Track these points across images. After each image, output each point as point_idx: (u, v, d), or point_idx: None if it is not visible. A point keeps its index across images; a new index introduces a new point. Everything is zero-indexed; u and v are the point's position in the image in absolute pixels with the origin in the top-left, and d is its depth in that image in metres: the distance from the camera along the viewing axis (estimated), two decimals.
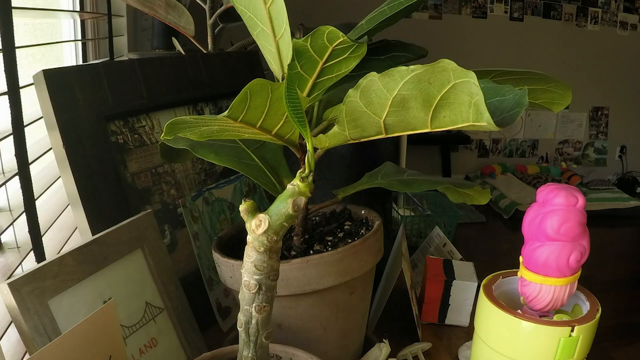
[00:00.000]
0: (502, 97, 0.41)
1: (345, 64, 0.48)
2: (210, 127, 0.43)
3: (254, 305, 0.43)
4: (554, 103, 0.52)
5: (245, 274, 0.43)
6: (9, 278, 0.47)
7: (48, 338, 0.47)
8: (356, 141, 0.48)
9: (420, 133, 0.44)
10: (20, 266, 0.63)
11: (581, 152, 4.02)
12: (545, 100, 0.52)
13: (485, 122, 0.38)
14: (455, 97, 0.39)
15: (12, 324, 0.49)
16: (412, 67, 0.40)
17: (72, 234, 0.80)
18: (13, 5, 0.62)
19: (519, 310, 0.56)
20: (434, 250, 0.99)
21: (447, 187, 0.58)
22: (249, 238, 0.42)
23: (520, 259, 0.57)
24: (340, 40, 0.44)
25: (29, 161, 0.65)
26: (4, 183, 0.62)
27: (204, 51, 1.04)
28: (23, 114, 0.64)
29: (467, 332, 0.80)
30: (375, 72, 0.42)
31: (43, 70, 0.60)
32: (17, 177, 0.63)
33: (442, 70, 0.38)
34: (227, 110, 0.41)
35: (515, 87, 0.41)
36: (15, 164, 0.63)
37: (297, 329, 0.57)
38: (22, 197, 0.64)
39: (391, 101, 0.42)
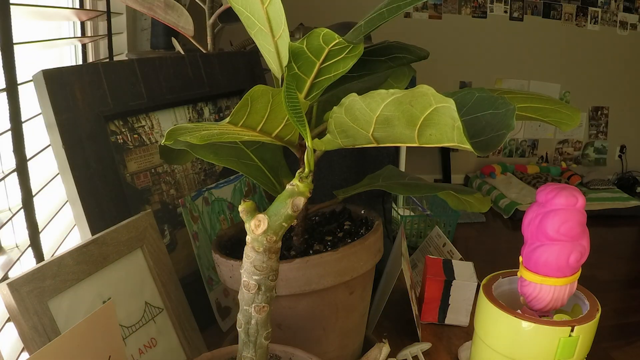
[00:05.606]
0: (495, 110, 0.41)
1: (343, 64, 0.48)
2: (211, 131, 0.43)
3: (253, 305, 0.43)
4: (562, 123, 0.52)
5: (244, 274, 0.43)
6: (8, 278, 0.47)
7: (47, 338, 0.47)
8: (351, 147, 0.49)
9: None
10: (19, 266, 0.63)
11: (581, 151, 4.02)
12: (554, 119, 0.52)
13: (469, 146, 0.38)
14: (439, 119, 0.39)
15: (12, 324, 0.49)
16: (391, 90, 0.40)
17: (71, 233, 0.80)
18: (12, 4, 0.62)
19: (518, 310, 0.56)
20: (434, 250, 0.99)
21: (447, 193, 0.58)
22: (248, 238, 0.42)
23: (520, 259, 0.57)
24: (337, 41, 0.44)
25: (28, 161, 0.65)
26: (2, 179, 0.62)
27: (204, 51, 1.04)
28: (23, 114, 0.63)
29: (467, 332, 0.80)
30: (355, 93, 0.42)
31: (42, 70, 0.60)
32: (16, 177, 0.63)
33: (422, 94, 0.38)
34: (229, 117, 0.41)
35: (511, 103, 0.40)
36: (15, 164, 0.63)
37: (296, 329, 0.57)
38: (20, 197, 0.64)
39: (375, 119, 0.42)
